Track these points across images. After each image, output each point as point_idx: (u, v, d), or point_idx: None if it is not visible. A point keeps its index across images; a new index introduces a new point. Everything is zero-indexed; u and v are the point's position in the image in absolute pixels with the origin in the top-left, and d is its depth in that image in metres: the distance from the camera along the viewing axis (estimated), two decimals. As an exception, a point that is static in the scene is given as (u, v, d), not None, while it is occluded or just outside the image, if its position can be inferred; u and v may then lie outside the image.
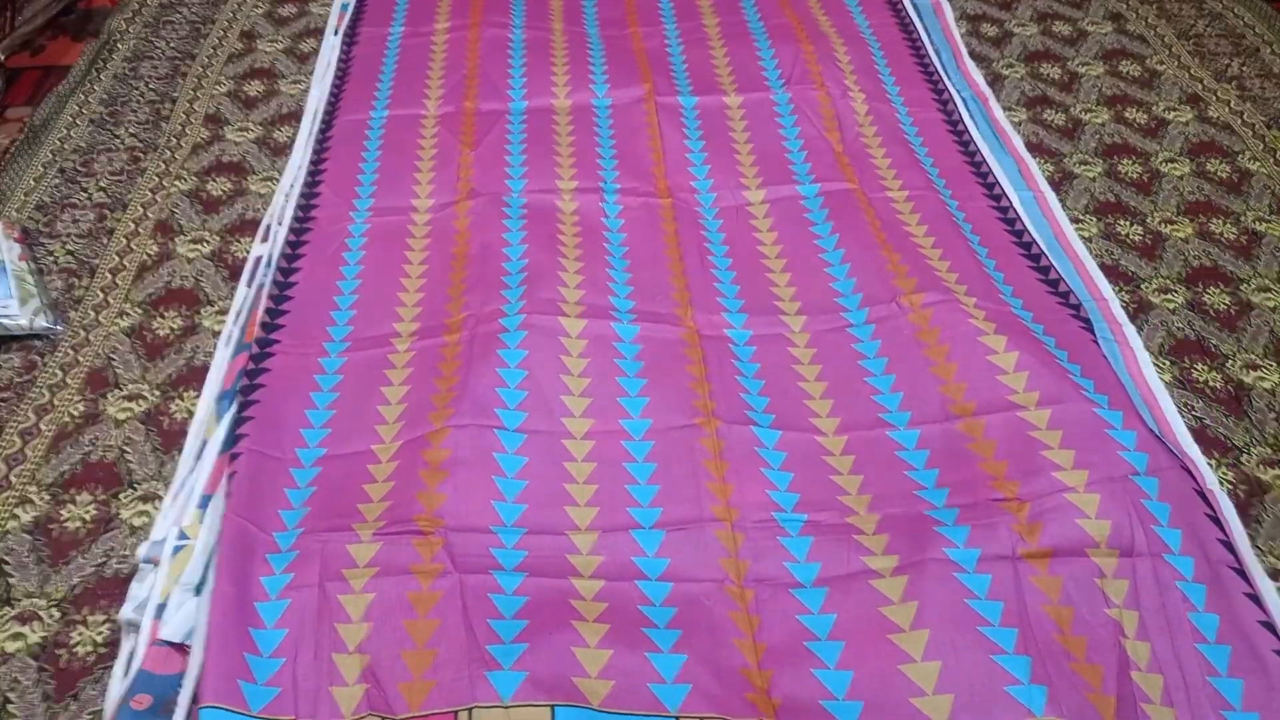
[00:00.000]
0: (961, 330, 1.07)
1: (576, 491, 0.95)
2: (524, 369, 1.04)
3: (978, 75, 1.59)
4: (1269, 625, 0.84)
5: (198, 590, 0.87)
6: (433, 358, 1.07)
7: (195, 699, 0.78)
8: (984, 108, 1.51)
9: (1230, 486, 1.02)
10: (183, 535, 0.92)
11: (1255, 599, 0.86)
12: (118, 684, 0.83)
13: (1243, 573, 0.88)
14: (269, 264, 1.21)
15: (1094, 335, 1.11)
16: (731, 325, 1.13)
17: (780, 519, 0.92)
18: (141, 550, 0.92)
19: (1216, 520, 0.92)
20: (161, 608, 0.86)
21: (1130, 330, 1.15)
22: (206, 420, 1.04)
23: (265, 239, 1.27)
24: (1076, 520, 0.88)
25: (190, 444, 1.02)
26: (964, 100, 1.51)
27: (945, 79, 1.55)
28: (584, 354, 1.07)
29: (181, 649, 0.83)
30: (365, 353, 1.09)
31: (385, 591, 0.84)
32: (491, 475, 0.94)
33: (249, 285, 1.20)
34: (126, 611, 0.88)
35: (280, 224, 1.26)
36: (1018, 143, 1.45)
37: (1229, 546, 0.90)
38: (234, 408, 1.02)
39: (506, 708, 0.76)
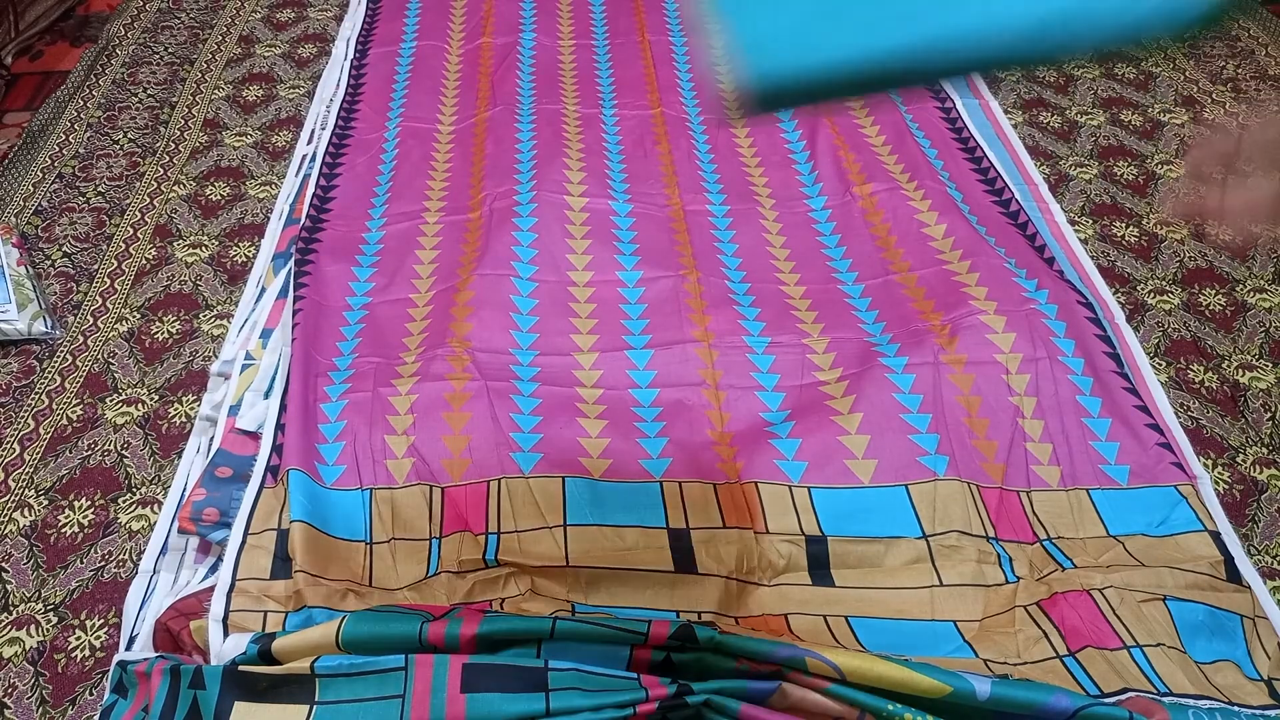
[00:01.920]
0: (901, 211, 1.30)
1: (579, 324, 1.15)
2: (534, 233, 1.25)
3: None
4: (1143, 408, 1.04)
5: (266, 395, 1.05)
6: (458, 229, 1.28)
7: (272, 470, 0.95)
8: None
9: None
10: (249, 356, 1.11)
11: (1132, 391, 1.06)
12: (200, 459, 1.02)
13: (1124, 374, 1.08)
14: (313, 159, 1.42)
15: (1012, 214, 1.32)
16: (711, 203, 1.34)
17: (749, 340, 1.12)
18: (214, 367, 1.12)
19: (1105, 339, 1.11)
20: (234, 408, 1.04)
21: (1054, 204, 1.36)
22: (264, 271, 1.25)
23: (310, 140, 1.50)
24: (986, 335, 1.09)
25: (250, 290, 1.24)
26: None
27: None
28: (585, 224, 1.29)
29: (254, 436, 1.00)
30: (401, 225, 1.29)
31: (425, 393, 1.02)
32: (509, 313, 1.14)
33: (296, 176, 1.42)
34: (205, 409, 1.07)
35: (324, 128, 1.49)
36: None
37: (1115, 358, 1.09)
38: (291, 264, 1.20)
39: (528, 478, 0.94)
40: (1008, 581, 0.87)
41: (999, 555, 0.89)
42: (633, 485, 0.95)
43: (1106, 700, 0.75)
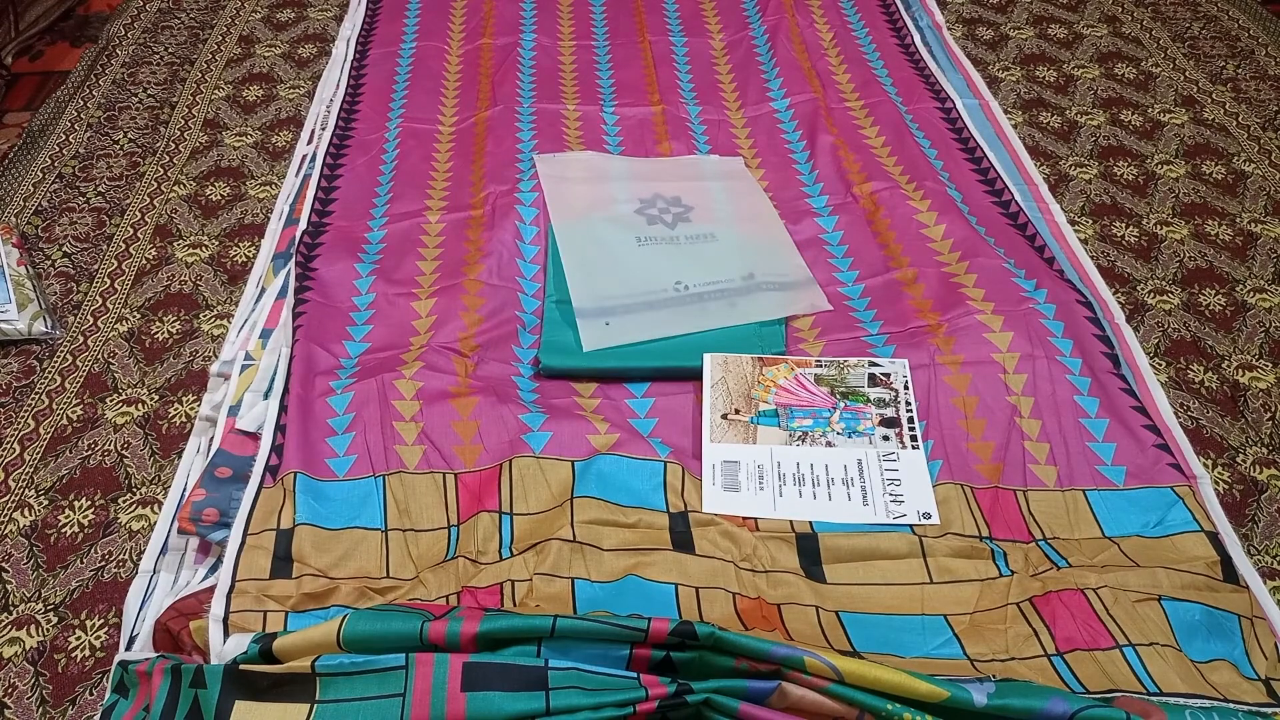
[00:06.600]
0: (900, 210, 1.30)
1: None
2: (535, 226, 1.27)
3: (938, 13, 1.80)
4: (1140, 409, 1.03)
5: (265, 395, 1.05)
6: (461, 225, 1.29)
7: (271, 470, 0.95)
8: (939, 34, 1.75)
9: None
10: (248, 357, 1.11)
11: (1130, 391, 1.06)
12: (200, 460, 1.02)
13: (1121, 375, 1.07)
14: (312, 159, 1.42)
15: (1012, 214, 1.33)
16: None
17: None
18: (214, 367, 1.11)
19: (1104, 339, 1.11)
20: (234, 408, 1.04)
21: (1054, 204, 1.36)
22: (264, 271, 1.26)
23: (310, 141, 1.49)
24: (984, 335, 1.09)
25: (250, 290, 1.24)
26: (920, 29, 1.75)
27: (903, 12, 1.79)
28: None
29: (254, 437, 1.00)
30: (403, 223, 1.29)
31: (431, 382, 1.04)
32: (515, 311, 1.16)
33: (295, 176, 1.42)
34: (205, 410, 1.08)
35: (324, 129, 1.48)
36: (963, 59, 1.67)
37: (1113, 358, 1.09)
38: (292, 265, 1.20)
39: (538, 458, 0.95)
40: (1001, 575, 0.87)
41: (993, 551, 0.89)
42: (638, 462, 0.96)
43: (1101, 701, 0.75)
